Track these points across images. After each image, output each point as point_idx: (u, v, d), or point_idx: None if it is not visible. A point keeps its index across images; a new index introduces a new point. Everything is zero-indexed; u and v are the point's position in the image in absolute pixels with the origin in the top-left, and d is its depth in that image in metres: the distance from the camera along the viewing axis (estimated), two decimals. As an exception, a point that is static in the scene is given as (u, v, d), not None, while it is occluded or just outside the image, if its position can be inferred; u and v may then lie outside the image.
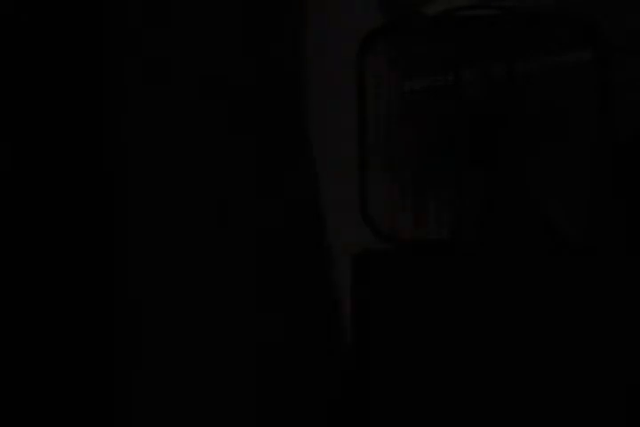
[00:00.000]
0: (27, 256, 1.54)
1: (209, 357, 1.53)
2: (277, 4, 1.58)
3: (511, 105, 1.46)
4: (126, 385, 1.52)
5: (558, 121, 1.47)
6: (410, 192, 1.49)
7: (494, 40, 1.46)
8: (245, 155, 1.56)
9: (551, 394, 1.38)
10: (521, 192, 1.46)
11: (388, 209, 1.49)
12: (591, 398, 1.38)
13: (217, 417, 1.52)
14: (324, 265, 1.58)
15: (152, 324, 1.53)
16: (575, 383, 1.38)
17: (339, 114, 1.60)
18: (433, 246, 1.43)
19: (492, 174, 1.46)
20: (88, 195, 1.54)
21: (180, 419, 1.53)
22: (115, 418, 1.53)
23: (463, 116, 1.47)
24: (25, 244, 1.54)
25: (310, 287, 1.56)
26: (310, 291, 1.56)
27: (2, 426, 1.50)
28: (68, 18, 1.54)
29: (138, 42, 1.54)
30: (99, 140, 1.53)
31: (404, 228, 1.49)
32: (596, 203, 1.44)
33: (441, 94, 1.48)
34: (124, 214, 1.54)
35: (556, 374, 1.38)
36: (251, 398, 1.54)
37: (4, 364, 1.52)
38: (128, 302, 1.53)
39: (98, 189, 1.54)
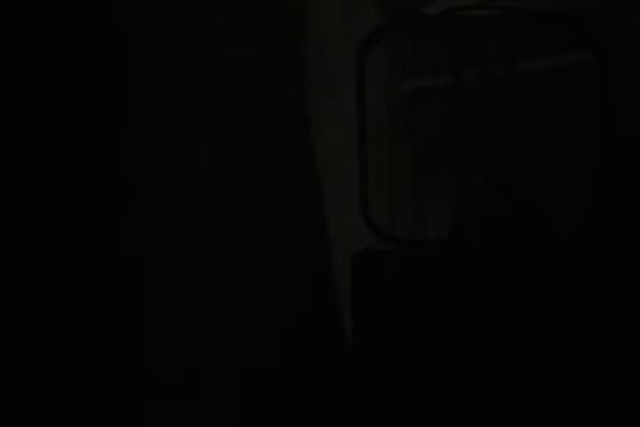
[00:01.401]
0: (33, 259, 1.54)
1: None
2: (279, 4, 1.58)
3: (511, 105, 1.46)
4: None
5: (558, 121, 1.47)
6: (410, 192, 1.49)
7: (494, 40, 1.46)
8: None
9: (550, 390, 1.38)
10: (520, 192, 1.46)
11: (388, 209, 1.49)
12: (587, 392, 1.38)
13: None
14: (327, 264, 1.58)
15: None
16: (574, 380, 1.38)
17: (339, 114, 1.60)
18: (433, 246, 1.43)
19: (492, 174, 1.46)
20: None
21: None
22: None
23: (463, 116, 1.47)
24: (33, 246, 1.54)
25: (313, 284, 1.56)
26: (312, 288, 1.56)
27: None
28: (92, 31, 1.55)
29: None
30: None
31: (404, 228, 1.49)
32: (595, 201, 1.44)
33: (441, 94, 1.49)
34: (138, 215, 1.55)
35: (553, 371, 1.38)
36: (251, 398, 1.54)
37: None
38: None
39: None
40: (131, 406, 1.52)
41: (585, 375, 1.38)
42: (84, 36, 1.53)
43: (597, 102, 1.43)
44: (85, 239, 1.53)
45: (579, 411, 1.38)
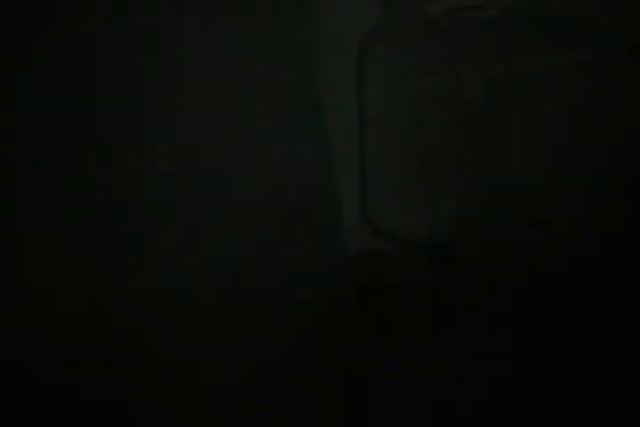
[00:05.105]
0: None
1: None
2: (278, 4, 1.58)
3: (511, 105, 1.46)
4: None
5: (558, 121, 1.47)
6: (410, 192, 1.50)
7: (494, 40, 1.46)
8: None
9: (550, 393, 1.39)
10: (520, 192, 1.46)
11: (388, 209, 1.49)
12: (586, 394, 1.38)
13: None
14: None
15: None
16: (573, 381, 1.39)
17: (339, 114, 1.60)
18: (432, 247, 1.44)
19: (491, 174, 1.46)
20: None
21: None
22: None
23: (463, 116, 1.47)
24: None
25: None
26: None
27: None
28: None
29: None
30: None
31: (404, 228, 1.49)
32: (595, 202, 1.44)
33: (440, 94, 1.49)
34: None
35: (554, 374, 1.39)
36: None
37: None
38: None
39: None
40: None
41: (585, 377, 1.38)
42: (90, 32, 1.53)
43: (597, 102, 1.43)
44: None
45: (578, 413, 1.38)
